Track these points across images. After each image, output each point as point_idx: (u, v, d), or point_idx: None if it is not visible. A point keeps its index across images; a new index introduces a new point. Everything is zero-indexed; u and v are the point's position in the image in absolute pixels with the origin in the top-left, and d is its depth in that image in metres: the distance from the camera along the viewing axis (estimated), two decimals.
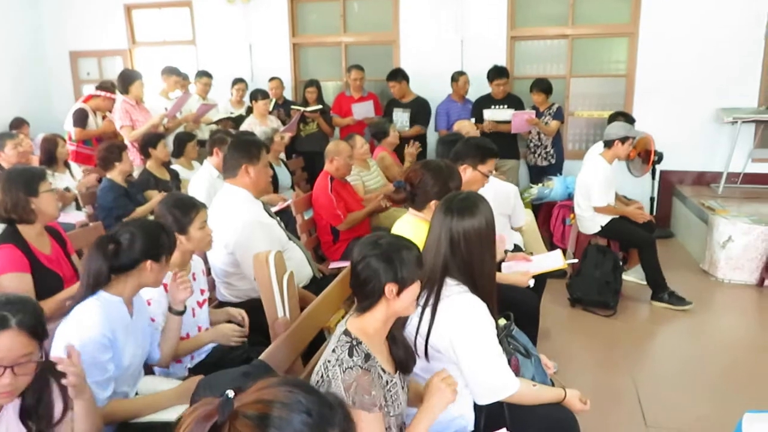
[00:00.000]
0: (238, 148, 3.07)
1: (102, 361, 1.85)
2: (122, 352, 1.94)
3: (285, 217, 3.88)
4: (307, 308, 2.25)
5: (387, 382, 1.68)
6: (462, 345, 1.89)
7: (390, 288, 1.66)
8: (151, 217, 2.71)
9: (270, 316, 2.20)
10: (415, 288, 1.71)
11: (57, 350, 1.84)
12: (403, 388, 1.77)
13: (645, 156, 5.37)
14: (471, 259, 1.98)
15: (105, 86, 5.97)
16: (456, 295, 1.94)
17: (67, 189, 4.61)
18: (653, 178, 6.02)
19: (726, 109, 5.86)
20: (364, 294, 1.72)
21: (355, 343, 1.66)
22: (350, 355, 1.63)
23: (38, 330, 1.48)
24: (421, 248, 2.11)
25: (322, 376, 1.63)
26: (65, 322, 1.90)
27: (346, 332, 1.70)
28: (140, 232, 1.99)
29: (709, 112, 6.12)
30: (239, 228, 2.84)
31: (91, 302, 1.91)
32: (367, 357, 1.65)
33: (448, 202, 2.07)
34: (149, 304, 2.25)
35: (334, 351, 1.66)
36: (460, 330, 1.90)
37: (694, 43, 6.05)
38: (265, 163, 3.11)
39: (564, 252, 5.10)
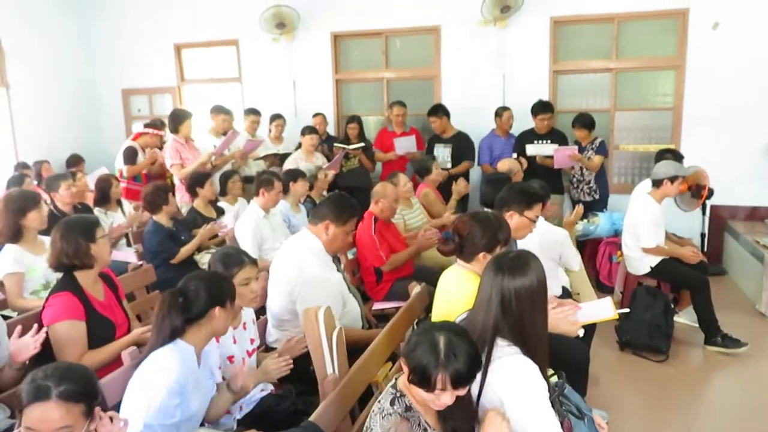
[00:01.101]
0: (332, 203, 3.11)
1: (170, 406, 1.91)
2: (190, 400, 2.01)
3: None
4: (355, 364, 2.25)
5: (425, 430, 1.69)
6: (514, 409, 1.84)
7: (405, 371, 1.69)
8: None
9: (319, 373, 2.21)
10: (430, 396, 1.64)
11: (127, 397, 1.94)
12: None
13: (696, 190, 5.22)
14: (522, 319, 1.95)
15: (153, 124, 6.22)
16: (507, 357, 1.91)
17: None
18: (703, 213, 5.85)
19: None
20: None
21: (398, 395, 1.70)
22: (391, 404, 1.67)
23: (83, 398, 1.49)
24: (466, 304, 2.11)
25: (366, 428, 1.67)
26: (142, 366, 1.99)
27: (394, 385, 1.73)
28: (203, 282, 2.12)
29: (760, 145, 5.94)
30: (301, 280, 2.87)
31: (168, 349, 2.00)
32: (408, 408, 1.67)
33: (498, 260, 2.04)
34: None
35: (378, 402, 1.70)
36: (512, 394, 1.86)
37: (744, 75, 5.91)
38: (348, 231, 3.10)
39: (612, 291, 5.00)
